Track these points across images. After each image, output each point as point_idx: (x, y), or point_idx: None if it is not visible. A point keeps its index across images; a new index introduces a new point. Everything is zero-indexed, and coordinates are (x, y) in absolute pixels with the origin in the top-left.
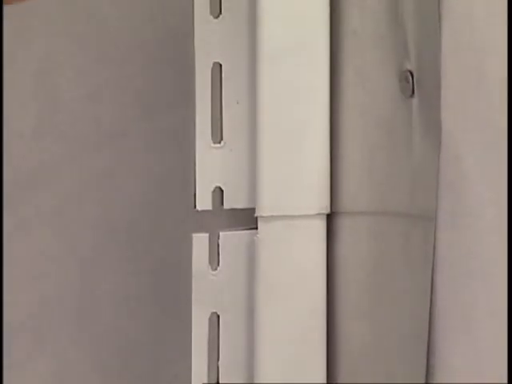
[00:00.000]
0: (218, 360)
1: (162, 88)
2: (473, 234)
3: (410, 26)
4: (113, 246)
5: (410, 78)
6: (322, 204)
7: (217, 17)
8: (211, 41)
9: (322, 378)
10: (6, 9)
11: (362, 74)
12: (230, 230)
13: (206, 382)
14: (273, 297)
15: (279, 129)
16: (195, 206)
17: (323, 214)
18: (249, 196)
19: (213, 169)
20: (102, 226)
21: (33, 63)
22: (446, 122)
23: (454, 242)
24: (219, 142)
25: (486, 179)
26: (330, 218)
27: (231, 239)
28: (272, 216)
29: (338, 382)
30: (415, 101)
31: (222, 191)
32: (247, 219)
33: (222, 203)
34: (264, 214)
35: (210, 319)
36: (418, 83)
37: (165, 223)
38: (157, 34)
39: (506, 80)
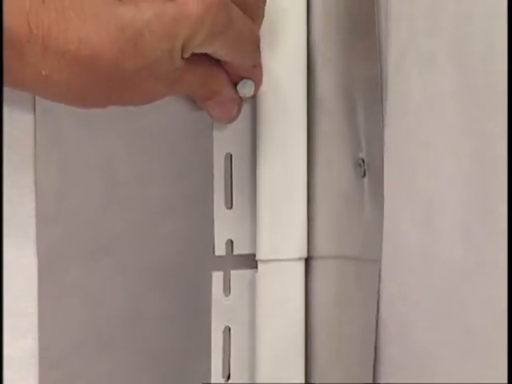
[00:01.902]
0: (230, 359)
1: (191, 174)
2: (405, 275)
3: (362, 127)
4: (154, 280)
5: (362, 164)
6: (302, 250)
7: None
8: (225, 137)
9: (301, 369)
10: (78, 115)
11: (330, 161)
12: (238, 269)
13: (221, 375)
14: (267, 316)
15: (271, 199)
16: (214, 252)
17: (303, 258)
18: (251, 245)
19: (226, 226)
20: (146, 267)
21: (98, 160)
22: (387, 196)
23: (392, 279)
24: (230, 208)
25: (415, 237)
26: (308, 261)
27: (239, 276)
28: (267, 259)
29: (315, 370)
30: (366, 180)
31: (232, 242)
32: (250, 262)
33: (233, 250)
34: (262, 258)
35: (223, 331)
36: (368, 168)
37: (192, 265)
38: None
39: (434, 169)
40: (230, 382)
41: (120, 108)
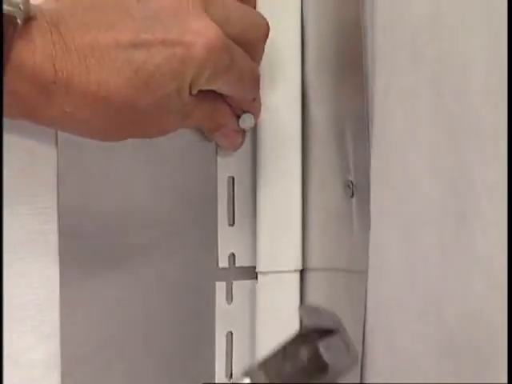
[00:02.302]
0: (232, 361)
1: (198, 194)
2: (390, 285)
3: (350, 153)
4: (164, 290)
5: (351, 186)
6: (297, 263)
7: None
8: (228, 162)
9: None
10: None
11: (322, 183)
12: (239, 280)
13: (223, 372)
14: (266, 322)
15: (270, 217)
16: (217, 265)
17: (298, 270)
18: (251, 258)
19: (228, 241)
20: (157, 278)
21: (115, 182)
22: (374, 214)
23: (378, 289)
24: (233, 225)
25: (398, 250)
26: (303, 273)
27: (240, 286)
28: (266, 271)
29: None
30: (354, 200)
31: (234, 255)
32: (250, 273)
33: (235, 263)
34: (261, 270)
35: (226, 336)
36: (356, 189)
37: (200, 276)
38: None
39: (415, 191)
40: (232, 381)
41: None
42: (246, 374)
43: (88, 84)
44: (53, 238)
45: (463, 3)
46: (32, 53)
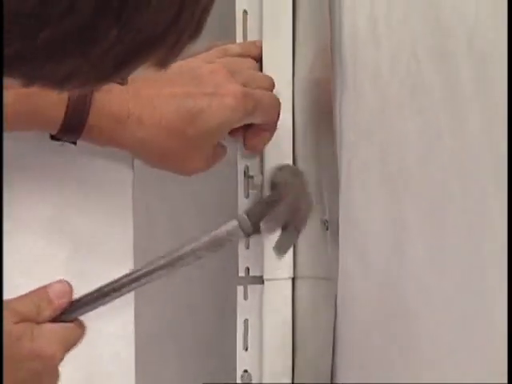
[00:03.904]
0: (248, 338)
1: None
2: (351, 291)
3: (326, 201)
4: (205, 293)
5: (326, 223)
6: (290, 272)
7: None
8: (244, 204)
9: (289, 343)
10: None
11: (308, 220)
12: (252, 284)
13: (242, 347)
14: (269, 313)
15: (272, 243)
16: (238, 274)
17: (291, 277)
18: (260, 270)
19: (245, 259)
20: (200, 285)
21: (168, 211)
22: (341, 242)
23: (343, 295)
24: (248, 248)
25: (355, 266)
26: (294, 280)
27: (253, 288)
28: (271, 278)
29: (297, 343)
30: (328, 232)
31: (248, 268)
32: (260, 280)
33: (249, 273)
34: (267, 278)
35: (244, 322)
36: (329, 225)
37: (227, 282)
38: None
39: (366, 228)
40: (248, 351)
41: (185, 181)
42: (235, 218)
43: (153, 117)
44: (128, 239)
45: (402, 97)
46: (109, 98)
